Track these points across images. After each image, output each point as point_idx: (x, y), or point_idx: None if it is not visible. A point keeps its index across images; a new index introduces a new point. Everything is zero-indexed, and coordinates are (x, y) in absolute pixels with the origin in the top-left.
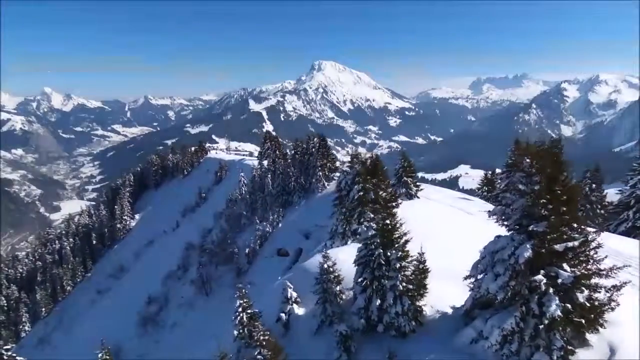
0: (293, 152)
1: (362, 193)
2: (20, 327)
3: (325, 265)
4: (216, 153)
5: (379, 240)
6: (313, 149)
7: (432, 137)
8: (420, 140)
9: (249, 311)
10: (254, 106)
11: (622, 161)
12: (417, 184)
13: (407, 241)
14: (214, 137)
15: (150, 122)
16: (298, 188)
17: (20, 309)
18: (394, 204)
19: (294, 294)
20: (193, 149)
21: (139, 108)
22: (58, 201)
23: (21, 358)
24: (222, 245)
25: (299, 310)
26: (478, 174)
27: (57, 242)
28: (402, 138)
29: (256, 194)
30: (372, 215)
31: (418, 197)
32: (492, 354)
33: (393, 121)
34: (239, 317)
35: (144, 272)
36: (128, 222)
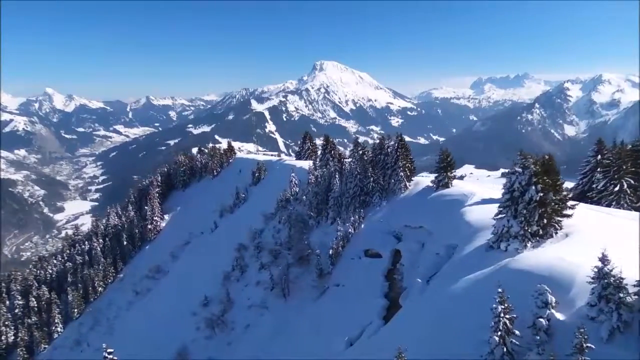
0: (361, 152)
1: (542, 194)
2: (53, 328)
3: (606, 269)
4: (247, 154)
5: None
6: (389, 149)
7: (435, 137)
8: (422, 140)
9: (508, 316)
10: (256, 106)
11: None
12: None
13: None
14: (216, 137)
15: (152, 123)
16: (378, 189)
17: (53, 310)
18: (569, 204)
19: (553, 298)
20: (222, 149)
21: (140, 108)
22: (62, 202)
23: (117, 359)
24: (294, 246)
25: (559, 315)
26: (483, 174)
27: (86, 242)
28: (405, 138)
29: (324, 194)
30: (558, 218)
31: None
32: None
33: (395, 121)
34: (501, 322)
35: (189, 272)
36: (158, 223)
